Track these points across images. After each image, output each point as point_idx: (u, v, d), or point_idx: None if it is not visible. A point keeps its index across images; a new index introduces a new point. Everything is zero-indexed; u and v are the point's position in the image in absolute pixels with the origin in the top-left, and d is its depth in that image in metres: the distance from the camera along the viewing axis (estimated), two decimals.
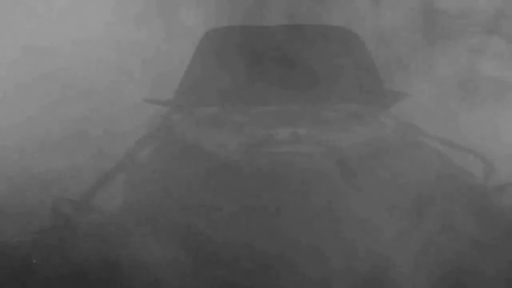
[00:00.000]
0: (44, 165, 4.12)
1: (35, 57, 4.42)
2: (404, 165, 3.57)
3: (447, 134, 4.00)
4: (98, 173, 3.78)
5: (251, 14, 4.42)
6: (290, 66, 3.66)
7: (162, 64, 4.43)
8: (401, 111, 3.92)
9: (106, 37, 4.41)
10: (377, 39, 4.37)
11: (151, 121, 3.90)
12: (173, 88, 3.82)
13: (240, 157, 3.45)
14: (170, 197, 3.42)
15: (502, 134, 4.18)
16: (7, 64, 4.38)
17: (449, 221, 3.44)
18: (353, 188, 3.43)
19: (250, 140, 3.49)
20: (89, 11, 4.46)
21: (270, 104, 3.59)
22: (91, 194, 3.63)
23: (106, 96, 4.34)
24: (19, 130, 4.28)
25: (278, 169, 3.44)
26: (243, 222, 3.34)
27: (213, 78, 3.68)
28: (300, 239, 3.31)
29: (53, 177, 4.06)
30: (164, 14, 4.55)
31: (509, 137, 4.16)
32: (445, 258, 3.36)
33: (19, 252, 3.35)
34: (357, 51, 3.82)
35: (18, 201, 3.84)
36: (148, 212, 3.40)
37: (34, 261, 3.28)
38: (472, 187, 3.62)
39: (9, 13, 4.40)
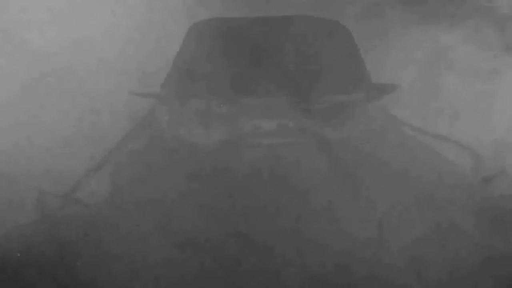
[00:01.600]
0: (43, 165, 4.12)
1: (35, 57, 4.41)
2: (394, 158, 3.57)
3: (438, 127, 3.98)
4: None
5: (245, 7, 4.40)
6: (278, 57, 3.64)
7: (162, 64, 4.42)
8: (391, 104, 3.90)
9: (106, 37, 4.40)
10: (366, 27, 4.33)
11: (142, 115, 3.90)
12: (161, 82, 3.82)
13: (227, 149, 3.45)
14: (157, 191, 3.42)
15: (495, 127, 4.15)
16: (7, 64, 4.38)
17: (441, 216, 3.43)
18: (342, 181, 3.42)
19: (237, 132, 3.49)
20: (89, 10, 4.45)
21: (258, 95, 3.57)
22: (77, 187, 3.64)
23: (106, 96, 4.34)
24: (19, 129, 4.28)
25: (265, 161, 3.44)
26: (233, 215, 3.34)
27: (200, 70, 3.67)
28: (289, 233, 3.31)
29: (52, 177, 4.06)
30: (165, 13, 4.53)
31: (501, 129, 4.13)
32: (439, 251, 3.34)
33: (2, 246, 3.36)
34: (346, 42, 3.79)
35: (16, 194, 3.85)
36: (135, 205, 3.40)
37: (18, 254, 3.29)
38: (462, 180, 3.61)
39: (7, 12, 4.40)
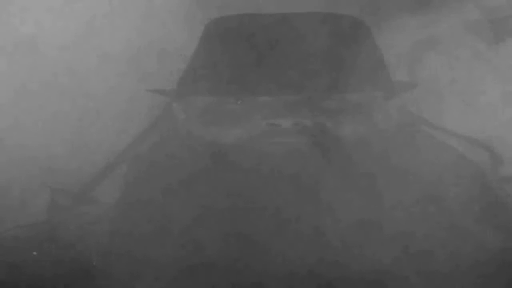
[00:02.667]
0: (43, 165, 4.10)
1: (35, 57, 4.40)
2: (410, 156, 3.54)
3: (454, 125, 3.94)
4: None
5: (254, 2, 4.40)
6: (294, 55, 3.64)
7: (162, 63, 4.42)
8: (407, 101, 3.87)
9: (106, 37, 4.40)
10: (380, 24, 4.32)
11: (152, 113, 3.89)
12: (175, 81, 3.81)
13: (244, 148, 3.43)
14: (171, 189, 3.40)
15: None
16: (7, 64, 4.37)
17: (454, 215, 3.42)
18: (357, 179, 3.41)
19: (254, 130, 3.47)
20: (89, 11, 4.45)
21: (274, 93, 3.56)
22: (90, 186, 3.63)
23: (106, 96, 4.33)
24: (20, 129, 4.27)
25: (281, 160, 3.42)
26: (246, 214, 3.32)
27: (216, 68, 3.67)
28: (305, 231, 3.29)
29: (52, 177, 4.05)
30: (164, 13, 4.53)
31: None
32: (450, 249, 3.33)
33: (16, 244, 3.34)
34: (363, 39, 3.78)
35: (16, 193, 3.84)
36: (147, 204, 3.39)
37: (35, 253, 3.27)
38: (478, 179, 3.59)
39: (8, 12, 4.40)
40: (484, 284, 3.24)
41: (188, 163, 3.50)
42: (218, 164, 3.46)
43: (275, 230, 3.29)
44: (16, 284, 3.27)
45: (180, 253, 3.23)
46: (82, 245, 3.33)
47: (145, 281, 3.22)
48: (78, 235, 3.39)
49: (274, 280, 3.23)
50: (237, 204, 3.37)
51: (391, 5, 4.42)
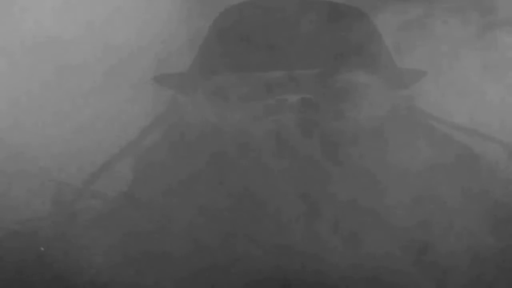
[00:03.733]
0: (45, 164, 4.11)
1: (35, 58, 4.41)
2: (416, 148, 3.53)
3: (465, 117, 3.91)
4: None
5: None
6: (301, 33, 3.61)
7: (162, 63, 4.43)
8: (416, 91, 3.85)
9: (106, 37, 4.41)
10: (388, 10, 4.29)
11: (153, 113, 3.89)
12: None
13: (249, 127, 3.42)
14: (177, 182, 3.41)
15: None
16: (7, 64, 4.38)
17: (460, 214, 3.41)
18: (360, 163, 3.40)
19: (258, 108, 3.47)
20: (88, 11, 4.46)
21: (281, 69, 3.54)
22: (94, 179, 3.64)
23: (106, 96, 4.34)
24: (20, 129, 4.28)
25: (287, 136, 3.40)
26: (254, 198, 3.31)
27: (220, 45, 3.65)
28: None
29: (53, 176, 4.06)
30: (164, 13, 4.54)
31: None
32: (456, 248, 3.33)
33: (18, 240, 3.35)
34: (370, 26, 3.75)
35: (18, 188, 3.85)
36: (154, 198, 3.39)
37: (42, 248, 3.28)
38: (488, 175, 3.58)
39: (7, 12, 4.40)
40: (484, 284, 3.24)
41: (195, 149, 3.50)
42: (226, 148, 3.45)
43: (275, 230, 3.29)
44: (16, 284, 3.27)
45: (180, 253, 3.24)
46: (83, 243, 3.34)
47: (145, 280, 3.23)
48: (79, 233, 3.40)
49: (275, 280, 3.24)
50: (245, 184, 3.36)
51: None
